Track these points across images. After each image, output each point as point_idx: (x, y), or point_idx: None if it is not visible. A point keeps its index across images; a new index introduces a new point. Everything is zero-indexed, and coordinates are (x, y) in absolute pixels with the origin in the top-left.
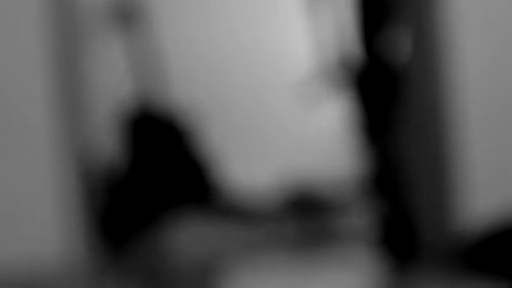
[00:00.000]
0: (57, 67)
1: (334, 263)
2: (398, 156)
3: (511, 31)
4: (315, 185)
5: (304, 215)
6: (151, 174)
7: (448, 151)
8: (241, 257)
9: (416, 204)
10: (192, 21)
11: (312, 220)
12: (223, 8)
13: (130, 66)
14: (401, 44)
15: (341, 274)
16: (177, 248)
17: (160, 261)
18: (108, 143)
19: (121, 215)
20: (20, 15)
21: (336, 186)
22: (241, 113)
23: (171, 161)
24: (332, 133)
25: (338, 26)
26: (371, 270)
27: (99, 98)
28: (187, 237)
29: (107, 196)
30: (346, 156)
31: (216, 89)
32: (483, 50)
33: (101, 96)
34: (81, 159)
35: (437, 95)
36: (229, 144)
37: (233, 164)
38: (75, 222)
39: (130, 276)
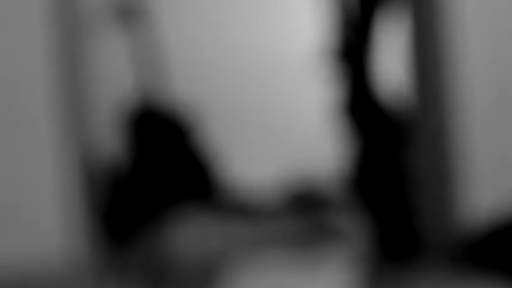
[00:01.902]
0: (60, 64)
1: (334, 260)
2: (400, 153)
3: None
4: (316, 182)
5: (306, 213)
6: (154, 171)
7: (450, 148)
8: (243, 254)
9: (419, 201)
10: (195, 18)
11: (313, 217)
12: (227, 5)
13: (133, 63)
14: (399, 37)
15: (340, 271)
16: (179, 245)
17: (162, 258)
18: (110, 140)
19: (124, 212)
20: (23, 13)
21: (337, 183)
22: (243, 110)
23: (173, 158)
24: (332, 131)
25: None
26: (370, 268)
27: (102, 95)
28: (190, 234)
29: (109, 193)
30: (347, 154)
31: (218, 86)
32: (485, 47)
33: (103, 93)
34: (84, 156)
35: (439, 92)
36: (231, 141)
37: (235, 161)
38: (78, 218)
39: (133, 273)
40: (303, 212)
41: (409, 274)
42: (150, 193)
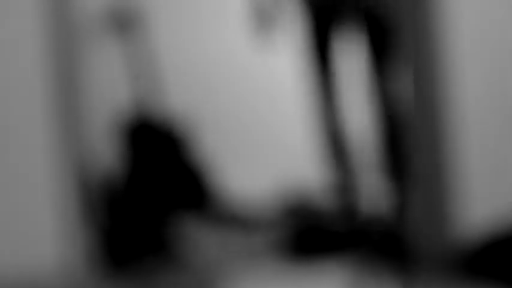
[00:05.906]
0: (55, 75)
1: (329, 271)
2: (397, 164)
3: (508, 33)
4: (311, 192)
5: (301, 222)
6: (149, 182)
7: (446, 159)
8: (238, 263)
9: (415, 212)
10: (188, 29)
11: (309, 227)
12: (219, 16)
13: (127, 73)
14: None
15: (334, 282)
16: (175, 256)
17: (158, 269)
18: (105, 151)
19: (119, 223)
20: (18, 22)
21: (331, 194)
22: (238, 120)
23: (168, 169)
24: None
25: None
26: (363, 279)
27: (97, 106)
28: (185, 245)
29: (105, 204)
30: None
31: (212, 96)
32: (482, 58)
33: (98, 104)
34: (79, 167)
35: (435, 103)
36: (225, 151)
37: (230, 171)
38: (73, 230)
39: (129, 286)
40: (298, 222)
41: (406, 285)
42: (146, 204)
